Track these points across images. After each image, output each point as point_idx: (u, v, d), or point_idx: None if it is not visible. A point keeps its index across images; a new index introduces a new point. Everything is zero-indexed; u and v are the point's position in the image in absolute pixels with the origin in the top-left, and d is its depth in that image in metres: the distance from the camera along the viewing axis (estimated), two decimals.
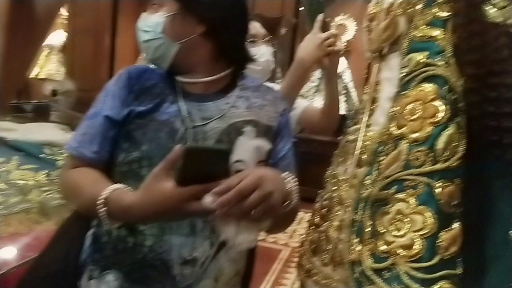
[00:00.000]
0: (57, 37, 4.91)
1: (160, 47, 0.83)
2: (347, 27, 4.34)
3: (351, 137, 1.07)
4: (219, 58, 0.88)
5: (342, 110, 4.10)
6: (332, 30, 1.20)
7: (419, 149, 0.81)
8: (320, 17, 1.19)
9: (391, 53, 0.99)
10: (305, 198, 1.19)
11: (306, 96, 4.34)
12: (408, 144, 0.82)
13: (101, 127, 0.84)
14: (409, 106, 0.84)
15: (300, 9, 4.55)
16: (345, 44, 4.23)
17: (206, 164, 0.64)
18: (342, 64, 4.24)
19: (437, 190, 0.79)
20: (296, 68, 1.21)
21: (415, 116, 0.82)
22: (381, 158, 0.88)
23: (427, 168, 0.80)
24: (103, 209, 0.71)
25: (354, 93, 4.19)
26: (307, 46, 1.18)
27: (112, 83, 0.88)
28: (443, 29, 0.83)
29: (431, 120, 0.80)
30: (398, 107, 0.86)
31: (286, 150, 0.94)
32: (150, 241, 0.82)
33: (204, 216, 0.76)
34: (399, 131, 0.84)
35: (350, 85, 4.21)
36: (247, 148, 0.81)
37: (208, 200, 0.64)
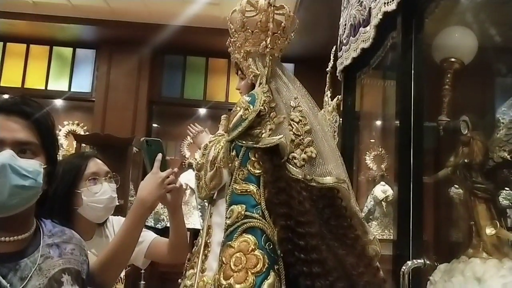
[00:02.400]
0: None
1: (30, 198, 0.78)
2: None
3: (188, 282, 1.06)
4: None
5: (198, 225, 4.12)
6: (171, 169, 1.24)
7: None
8: (159, 156, 1.22)
9: (220, 199, 1.06)
10: None
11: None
12: None
13: None
14: (234, 257, 0.88)
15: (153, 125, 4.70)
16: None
17: None
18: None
19: None
20: (137, 208, 1.19)
21: (239, 267, 0.87)
22: None
23: None
24: None
25: None
26: (148, 186, 1.18)
27: None
28: (257, 185, 0.94)
29: (253, 270, 0.86)
30: (225, 258, 0.90)
31: None
32: None
33: None
34: (226, 282, 0.87)
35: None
36: None
37: None
